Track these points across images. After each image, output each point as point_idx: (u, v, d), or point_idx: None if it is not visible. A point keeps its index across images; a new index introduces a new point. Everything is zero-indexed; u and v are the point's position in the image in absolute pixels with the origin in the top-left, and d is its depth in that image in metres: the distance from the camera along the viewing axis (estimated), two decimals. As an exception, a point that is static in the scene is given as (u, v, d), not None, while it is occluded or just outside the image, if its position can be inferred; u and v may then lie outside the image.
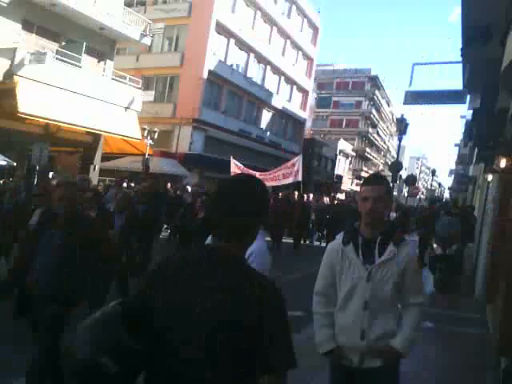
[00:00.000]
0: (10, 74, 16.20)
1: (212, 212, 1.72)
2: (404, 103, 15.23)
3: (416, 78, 33.83)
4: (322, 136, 57.60)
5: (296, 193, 18.30)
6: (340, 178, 55.29)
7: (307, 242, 18.11)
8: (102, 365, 1.44)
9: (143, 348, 1.53)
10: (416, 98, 14.64)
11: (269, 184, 17.27)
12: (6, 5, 16.24)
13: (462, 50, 8.71)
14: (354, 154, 63.44)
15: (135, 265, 7.23)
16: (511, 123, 7.54)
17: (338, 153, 55.12)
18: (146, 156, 22.26)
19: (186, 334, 1.55)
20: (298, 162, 16.33)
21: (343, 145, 57.24)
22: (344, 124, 65.55)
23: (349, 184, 60.42)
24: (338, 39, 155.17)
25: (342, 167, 58.37)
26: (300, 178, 16.10)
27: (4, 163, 15.44)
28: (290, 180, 16.32)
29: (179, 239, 12.60)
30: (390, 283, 2.66)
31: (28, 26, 17.67)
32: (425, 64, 17.17)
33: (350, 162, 63.76)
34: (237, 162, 16.99)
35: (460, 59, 10.04)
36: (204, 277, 1.59)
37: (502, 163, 7.94)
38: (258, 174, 16.88)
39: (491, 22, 7.33)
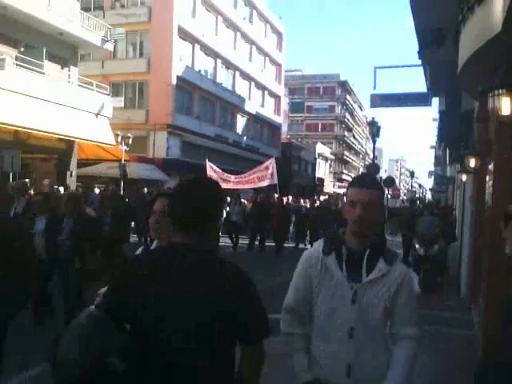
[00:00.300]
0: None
1: (174, 209, 1.83)
2: (371, 106, 15.33)
3: (384, 83, 34.68)
4: (299, 140, 57.78)
5: (276, 195, 18.06)
6: (321, 180, 55.48)
7: (290, 245, 17.25)
8: (108, 364, 1.51)
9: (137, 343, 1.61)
10: (382, 101, 14.79)
11: (244, 186, 17.33)
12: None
13: (418, 53, 8.96)
14: (333, 157, 63.80)
15: (90, 271, 6.10)
16: (477, 124, 7.53)
17: (317, 156, 55.35)
18: (123, 162, 21.83)
19: (173, 327, 1.66)
20: (271, 165, 16.49)
21: (321, 148, 57.57)
22: (320, 128, 66.12)
23: (331, 186, 60.57)
24: (303, 44, 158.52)
25: (323, 170, 58.56)
26: (276, 180, 16.21)
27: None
28: (265, 183, 16.55)
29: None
30: (380, 308, 2.13)
31: (-18, 31, 17.23)
32: (386, 67, 17.78)
33: (330, 165, 64.07)
34: (212, 165, 17.09)
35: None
36: (179, 270, 1.71)
37: (472, 163, 8.03)
38: (233, 177, 16.99)
39: (443, 25, 7.49)
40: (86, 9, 24.04)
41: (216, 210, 1.89)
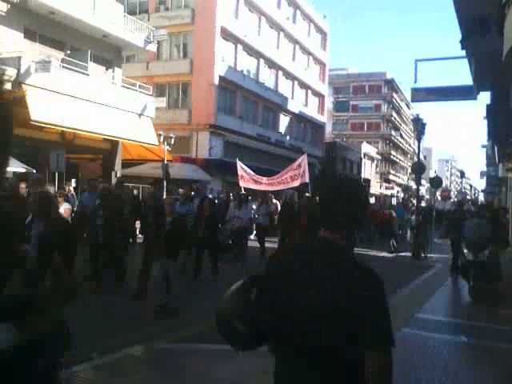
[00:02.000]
0: (17, 82, 16.21)
1: (326, 208, 1.97)
2: (412, 100, 14.68)
3: (428, 78, 33.11)
4: (344, 140, 56.89)
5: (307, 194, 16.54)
6: (367, 181, 54.21)
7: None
8: (235, 326, 1.86)
9: (265, 317, 1.86)
10: (424, 94, 14.19)
11: (278, 188, 16.53)
12: (4, 13, 16.41)
13: (461, 42, 8.73)
14: (379, 157, 62.40)
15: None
16: None
17: (362, 156, 54.33)
18: (165, 162, 22.06)
19: (304, 313, 1.81)
20: (303, 162, 15.56)
21: (367, 148, 56.46)
22: (365, 127, 64.88)
23: (378, 188, 59.18)
24: (348, 44, 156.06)
25: (369, 171, 57.36)
26: (307, 179, 15.31)
27: (23, 170, 15.35)
28: (297, 182, 15.63)
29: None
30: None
31: (30, 35, 17.74)
32: (428, 60, 16.52)
33: (377, 166, 62.71)
34: (243, 166, 16.48)
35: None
36: (315, 263, 1.86)
37: None
38: (265, 179, 16.32)
39: (487, 12, 7.22)
40: (131, 12, 24.60)
41: (362, 212, 2.01)
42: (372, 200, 41.80)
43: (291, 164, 16.37)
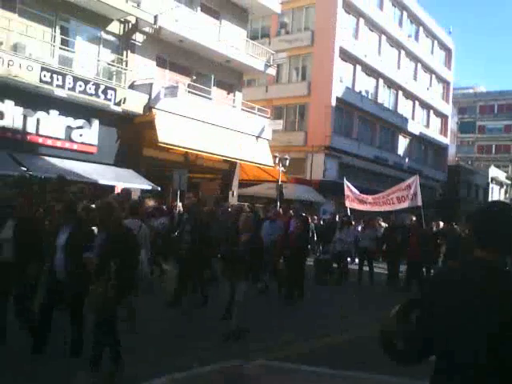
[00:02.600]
0: (148, 107, 17.48)
1: (486, 227, 2.01)
2: None
3: None
4: (469, 163, 53.26)
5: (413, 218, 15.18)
6: (495, 207, 50.14)
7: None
8: (395, 343, 2.05)
9: (423, 336, 1.99)
10: None
11: (381, 208, 15.67)
12: (140, 44, 17.85)
13: None
14: (509, 182, 57.51)
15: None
16: None
17: (489, 181, 50.45)
18: (280, 182, 22.32)
19: (470, 332, 1.85)
20: (414, 183, 14.48)
21: (495, 172, 52.37)
22: (494, 150, 60.16)
23: (507, 214, 54.32)
24: (475, 61, 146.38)
25: (497, 196, 52.97)
26: (420, 202, 14.24)
27: (149, 187, 16.49)
28: (405, 204, 14.65)
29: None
30: None
31: (161, 62, 19.13)
32: None
33: (506, 191, 57.77)
34: (350, 185, 16.11)
35: None
36: (482, 284, 1.89)
37: None
38: (370, 198, 15.73)
39: None
40: (253, 37, 25.45)
41: None
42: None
43: (399, 184, 15.50)
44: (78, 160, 15.63)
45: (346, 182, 16.15)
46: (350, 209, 15.81)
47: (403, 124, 36.20)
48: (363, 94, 31.73)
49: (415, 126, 37.94)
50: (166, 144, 17.44)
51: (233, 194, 21.93)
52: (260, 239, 7.24)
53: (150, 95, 17.50)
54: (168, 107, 17.87)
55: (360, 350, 6.18)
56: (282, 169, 22.99)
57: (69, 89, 14.79)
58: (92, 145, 16.30)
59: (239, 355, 5.69)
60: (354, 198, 15.84)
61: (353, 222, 14.97)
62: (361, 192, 16.25)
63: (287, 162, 23.23)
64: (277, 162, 22.75)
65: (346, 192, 15.94)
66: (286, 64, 27.55)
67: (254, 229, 7.63)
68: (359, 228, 15.89)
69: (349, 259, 13.81)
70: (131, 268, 4.88)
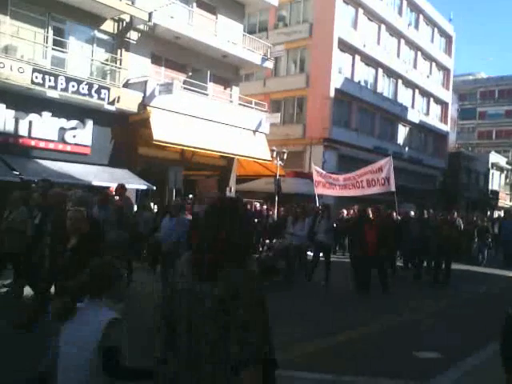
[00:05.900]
0: (143, 105, 17.28)
1: None
2: None
3: None
4: (469, 149, 52.99)
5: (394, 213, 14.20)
6: (495, 193, 50.05)
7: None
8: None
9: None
10: None
11: (350, 193, 14.44)
12: (135, 42, 17.59)
13: None
14: (509, 167, 57.23)
15: None
16: None
17: (490, 167, 50.21)
18: (277, 177, 22.15)
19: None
20: (386, 166, 13.16)
21: (495, 158, 52.07)
22: (494, 135, 59.84)
23: (507, 200, 54.23)
24: (475, 47, 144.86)
25: (497, 182, 52.81)
26: (393, 188, 12.93)
27: (144, 187, 16.35)
28: (375, 189, 13.44)
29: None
30: None
31: (156, 60, 18.88)
32: None
33: (507, 177, 57.52)
34: (319, 169, 15.64)
35: None
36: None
37: None
38: (341, 178, 14.84)
39: None
40: (251, 32, 25.12)
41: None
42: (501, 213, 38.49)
43: (371, 165, 14.01)
44: (71, 162, 15.47)
45: (314, 167, 15.58)
46: (318, 195, 15.19)
47: (403, 113, 35.93)
48: (362, 84, 31.43)
49: (415, 115, 37.68)
50: (162, 142, 17.22)
51: (230, 190, 21.80)
52: None
53: (144, 93, 17.27)
54: (163, 104, 17.65)
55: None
56: (280, 163, 22.81)
57: (61, 89, 14.60)
58: (86, 146, 16.15)
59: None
60: (325, 183, 14.96)
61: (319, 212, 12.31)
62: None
63: (285, 155, 23.06)
64: (274, 155, 22.57)
65: (316, 178, 15.22)
66: (283, 57, 27.24)
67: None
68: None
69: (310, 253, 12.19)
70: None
